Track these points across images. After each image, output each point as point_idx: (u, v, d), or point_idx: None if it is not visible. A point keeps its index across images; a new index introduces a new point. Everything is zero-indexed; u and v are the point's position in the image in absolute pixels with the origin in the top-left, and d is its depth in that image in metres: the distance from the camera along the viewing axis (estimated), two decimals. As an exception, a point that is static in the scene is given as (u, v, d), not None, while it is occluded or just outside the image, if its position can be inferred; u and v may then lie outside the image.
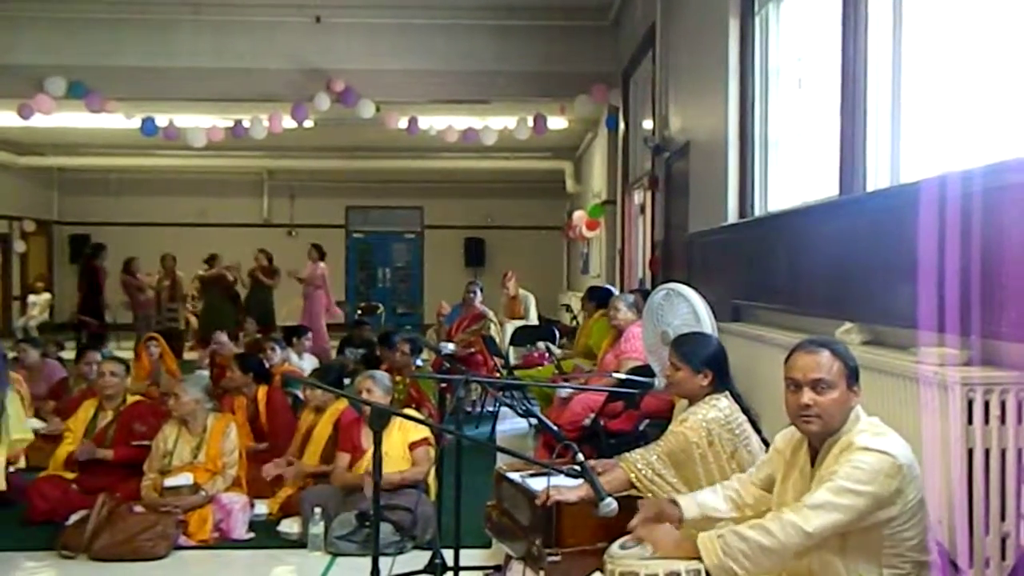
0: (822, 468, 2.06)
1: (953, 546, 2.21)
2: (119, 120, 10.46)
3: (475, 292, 8.17)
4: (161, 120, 10.58)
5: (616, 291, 7.02)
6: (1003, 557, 2.22)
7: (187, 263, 11.64)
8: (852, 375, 2.10)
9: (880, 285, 3.05)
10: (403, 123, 10.68)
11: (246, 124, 10.44)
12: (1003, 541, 2.22)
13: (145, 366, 6.84)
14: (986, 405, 2.24)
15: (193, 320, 11.58)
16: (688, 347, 3.01)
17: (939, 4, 3.10)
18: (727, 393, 2.93)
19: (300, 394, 5.77)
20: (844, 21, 3.63)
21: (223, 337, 7.55)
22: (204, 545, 4.19)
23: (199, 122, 10.89)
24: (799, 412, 2.09)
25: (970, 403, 2.24)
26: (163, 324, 10.47)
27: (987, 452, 2.23)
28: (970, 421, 2.24)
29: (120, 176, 15.75)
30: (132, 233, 14.91)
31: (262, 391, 5.31)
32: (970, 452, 2.23)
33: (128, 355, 6.93)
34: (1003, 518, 2.23)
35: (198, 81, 9.63)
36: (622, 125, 9.63)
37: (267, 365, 5.80)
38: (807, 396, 2.07)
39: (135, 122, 10.47)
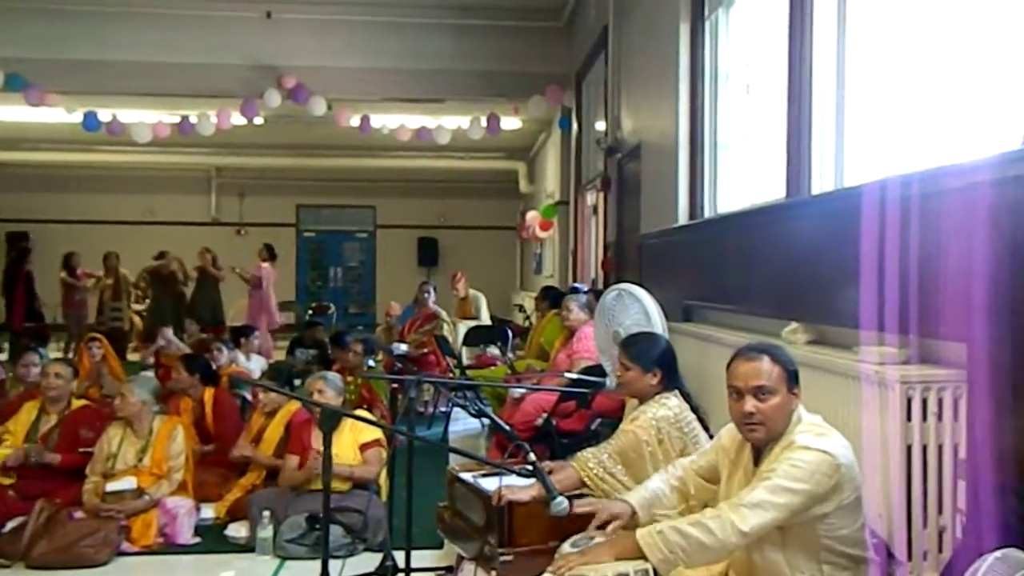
0: (764, 467, 2.10)
1: (892, 540, 2.28)
2: (60, 114, 10.17)
3: (428, 292, 8.14)
4: (104, 115, 10.31)
5: (584, 288, 7.05)
6: (940, 550, 2.29)
7: (133, 262, 11.36)
8: (792, 378, 2.14)
9: (824, 286, 3.13)
10: (355, 121, 10.59)
11: (193, 120, 10.23)
12: (940, 534, 2.30)
13: (86, 367, 6.66)
14: (924, 402, 2.31)
15: (137, 320, 11.32)
16: (638, 347, 3.05)
17: (882, 13, 3.20)
18: (676, 392, 2.98)
19: (248, 396, 5.68)
20: (790, 28, 3.71)
21: (169, 333, 7.39)
22: (148, 551, 4.10)
23: (145, 117, 10.63)
24: (743, 420, 2.13)
25: (908, 400, 2.31)
26: (106, 324, 10.20)
27: (924, 448, 2.31)
28: (908, 418, 2.31)
29: (61, 172, 15.31)
30: (75, 231, 14.51)
31: (209, 393, 5.21)
32: (908, 448, 2.30)
33: (57, 356, 6.73)
34: (940, 512, 2.30)
35: (144, 75, 9.42)
36: (575, 126, 9.70)
37: (214, 366, 5.70)
38: (750, 404, 2.10)
39: (77, 116, 10.19)
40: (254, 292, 10.13)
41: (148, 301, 11.00)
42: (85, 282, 10.49)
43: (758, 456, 2.18)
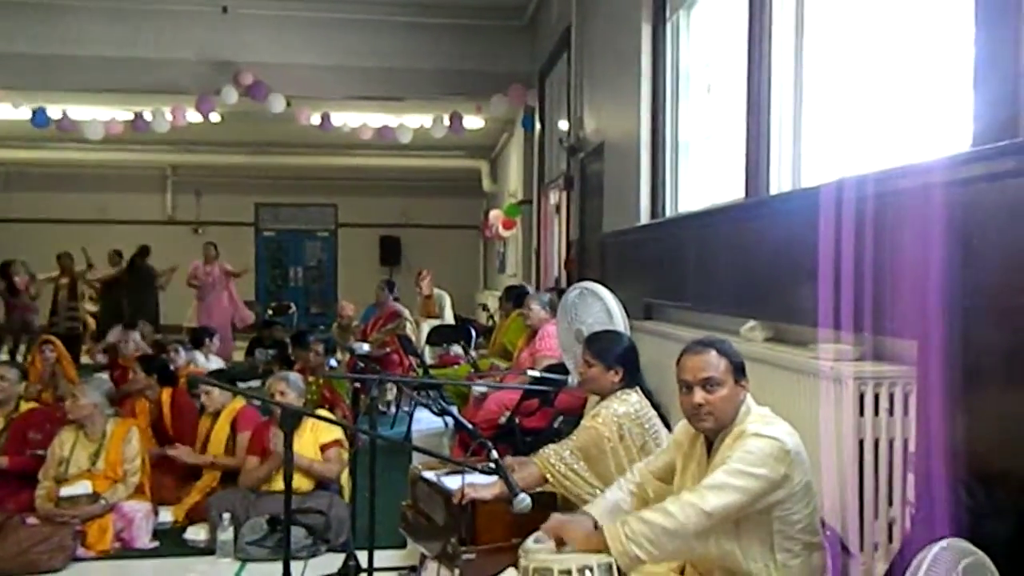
0: (717, 458, 2.16)
1: (845, 531, 2.35)
2: (7, 110, 9.93)
3: (383, 290, 8.14)
4: (54, 111, 10.10)
5: (530, 289, 7.10)
6: (890, 540, 2.37)
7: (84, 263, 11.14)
8: (739, 370, 2.23)
9: (782, 284, 3.21)
10: (316, 119, 10.52)
11: (148, 117, 10.07)
12: (890, 526, 2.38)
13: (38, 370, 6.53)
14: (876, 398, 2.39)
15: (91, 321, 11.11)
16: (600, 345, 3.10)
17: (838, 18, 3.28)
18: (637, 389, 3.03)
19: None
20: (750, 30, 3.79)
21: (132, 333, 7.26)
22: (105, 556, 4.05)
23: (97, 114, 10.44)
24: (692, 411, 2.21)
25: (861, 396, 2.39)
26: (60, 326, 9.98)
27: (876, 442, 2.38)
28: (861, 413, 2.39)
29: (10, 170, 14.94)
30: (25, 231, 14.17)
31: (166, 393, 5.16)
32: (861, 442, 2.38)
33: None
34: (890, 504, 2.38)
35: (95, 70, 9.23)
36: (538, 125, 9.74)
37: (171, 367, 5.64)
38: (699, 396, 2.19)
39: (25, 112, 9.97)
40: (211, 293, 10.02)
41: (101, 302, 10.81)
42: (25, 296, 10.16)
43: (710, 447, 2.25)
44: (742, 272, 3.63)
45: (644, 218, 5.40)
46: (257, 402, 5.01)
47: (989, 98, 2.12)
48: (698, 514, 2.03)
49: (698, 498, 2.04)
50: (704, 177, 4.85)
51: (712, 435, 2.24)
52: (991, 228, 2.03)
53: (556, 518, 2.25)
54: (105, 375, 6.71)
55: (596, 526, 2.23)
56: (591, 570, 2.03)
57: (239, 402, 4.73)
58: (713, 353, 2.21)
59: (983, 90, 2.15)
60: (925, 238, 2.23)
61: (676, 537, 2.04)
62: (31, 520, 4.00)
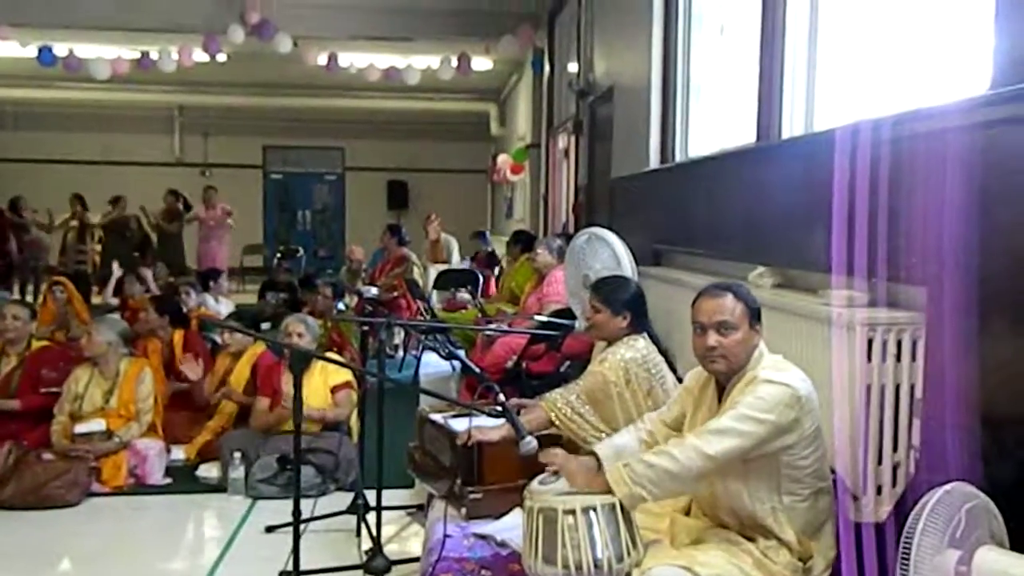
0: (727, 402, 2.17)
1: (851, 475, 2.37)
2: (14, 48, 9.80)
3: (392, 235, 8.13)
4: (60, 49, 9.96)
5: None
6: (894, 484, 2.39)
7: (91, 204, 11.12)
8: (754, 315, 2.22)
9: (792, 230, 3.17)
10: (322, 60, 10.36)
11: (154, 56, 9.94)
12: (895, 470, 2.39)
13: (51, 310, 6.58)
14: (884, 344, 2.38)
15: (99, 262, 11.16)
16: (608, 290, 3.08)
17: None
18: (644, 334, 3.03)
19: (218, 339, 5.66)
20: (765, -32, 3.68)
21: (143, 276, 7.30)
22: (119, 492, 4.13)
23: (103, 53, 10.29)
24: (705, 353, 2.21)
25: (870, 342, 2.38)
26: (69, 267, 10.03)
27: (883, 388, 2.38)
28: (869, 359, 2.38)
29: (16, 109, 14.81)
30: (30, 170, 14.11)
31: (178, 335, 5.20)
32: (868, 388, 2.38)
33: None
34: (895, 449, 2.39)
35: (102, 8, 9.08)
36: (547, 67, 9.58)
37: (183, 309, 5.67)
38: (712, 338, 2.18)
39: (31, 51, 9.84)
40: (213, 236, 10.04)
41: (101, 248, 10.83)
42: (28, 220, 10.18)
43: (721, 393, 2.25)
44: (752, 218, 3.59)
45: (654, 163, 5.33)
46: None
47: (1009, 39, 2.06)
48: (702, 457, 2.04)
49: (703, 442, 2.05)
50: (715, 121, 4.77)
51: (724, 379, 2.24)
52: (1009, 172, 1.99)
53: (561, 454, 2.26)
54: (117, 315, 6.77)
55: (600, 466, 2.24)
56: (595, 510, 2.05)
57: (260, 346, 4.76)
58: (730, 297, 2.21)
59: (1003, 30, 2.08)
60: (941, 183, 2.19)
61: (679, 480, 2.05)
62: (47, 455, 4.07)
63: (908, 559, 1.65)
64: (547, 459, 2.21)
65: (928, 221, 2.25)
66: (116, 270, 7.64)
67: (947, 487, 1.72)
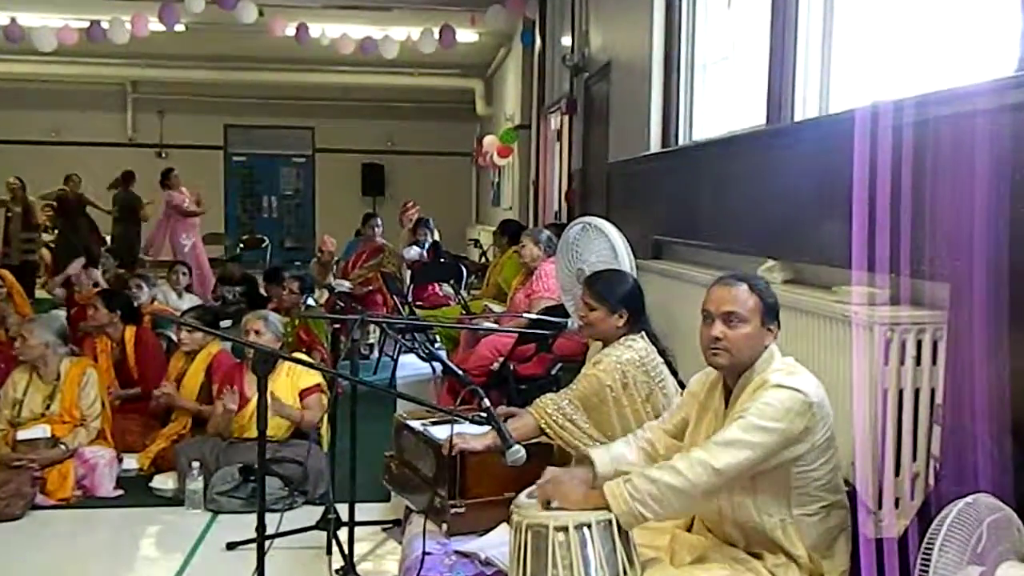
0: (735, 407, 2.17)
1: (866, 487, 2.38)
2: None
3: (377, 227, 8.11)
4: (1, 18, 9.87)
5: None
6: (912, 497, 2.41)
7: (39, 187, 11.05)
8: (769, 313, 2.22)
9: (804, 221, 3.19)
10: (291, 31, 10.31)
11: (105, 26, 9.86)
12: (913, 481, 2.41)
13: (-12, 305, 6.53)
14: (902, 345, 2.40)
15: (47, 253, 11.07)
16: (602, 285, 3.08)
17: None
18: (643, 334, 3.03)
19: (174, 336, 5.63)
20: (777, -66, 3.68)
21: (92, 269, 7.24)
22: (65, 504, 4.11)
23: (49, 22, 10.22)
24: (708, 344, 2.22)
25: (887, 343, 2.39)
26: (13, 257, 9.95)
27: (900, 393, 2.40)
28: (886, 362, 2.39)
29: (-49, 83, 14.69)
30: (-33, 151, 14.01)
31: (130, 332, 5.17)
32: (885, 392, 2.39)
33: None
34: (914, 459, 2.41)
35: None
36: (538, 41, 9.58)
37: (135, 304, 5.64)
38: (717, 329, 2.19)
39: (-32, 19, 9.77)
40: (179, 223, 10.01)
41: (56, 233, 10.76)
42: None
43: (728, 397, 2.26)
44: (762, 207, 3.60)
45: (655, 146, 5.34)
46: (229, 344, 5.02)
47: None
48: (708, 472, 2.03)
49: (709, 456, 2.05)
50: (722, 101, 4.78)
51: (731, 380, 2.24)
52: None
53: (552, 475, 2.25)
54: (62, 312, 6.72)
55: (595, 476, 2.24)
56: (588, 527, 2.05)
57: (215, 346, 4.74)
58: (744, 288, 2.21)
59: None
60: (968, 170, 2.20)
61: (683, 495, 2.04)
62: (-14, 465, 4.04)
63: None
64: (541, 496, 2.19)
65: (953, 211, 2.27)
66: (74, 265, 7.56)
67: (968, 499, 1.74)
